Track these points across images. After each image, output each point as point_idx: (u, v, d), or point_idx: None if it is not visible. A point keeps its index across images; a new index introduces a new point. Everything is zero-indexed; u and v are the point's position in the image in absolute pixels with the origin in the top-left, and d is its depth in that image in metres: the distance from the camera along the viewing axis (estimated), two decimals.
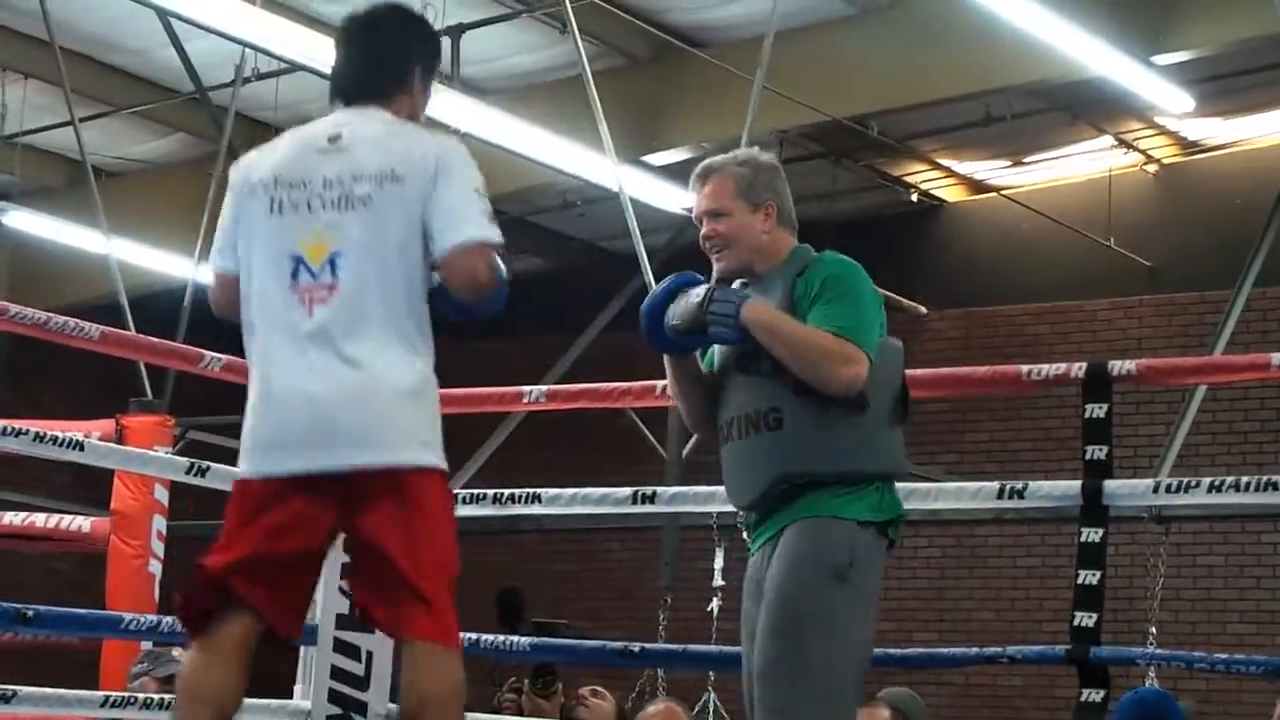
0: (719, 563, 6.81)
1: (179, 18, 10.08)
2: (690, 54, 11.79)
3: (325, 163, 3.66)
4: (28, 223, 13.09)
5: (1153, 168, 13.92)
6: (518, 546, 15.02)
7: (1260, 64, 11.87)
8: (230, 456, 6.87)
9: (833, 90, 11.66)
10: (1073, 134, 13.37)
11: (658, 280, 9.83)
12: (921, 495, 5.12)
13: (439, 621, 3.57)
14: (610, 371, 10.81)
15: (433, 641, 3.56)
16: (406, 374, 3.61)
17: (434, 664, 3.56)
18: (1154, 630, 6.45)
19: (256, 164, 3.77)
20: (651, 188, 12.30)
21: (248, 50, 10.85)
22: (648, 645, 5.68)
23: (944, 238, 14.70)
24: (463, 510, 5.75)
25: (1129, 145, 13.58)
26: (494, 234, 3.63)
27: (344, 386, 3.56)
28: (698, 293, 4.10)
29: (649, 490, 5.54)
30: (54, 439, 5.39)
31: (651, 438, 12.42)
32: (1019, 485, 5.06)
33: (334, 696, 5.58)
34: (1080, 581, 4.85)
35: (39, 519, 8.18)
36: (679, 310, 4.10)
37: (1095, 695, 4.80)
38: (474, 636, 5.50)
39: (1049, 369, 5.11)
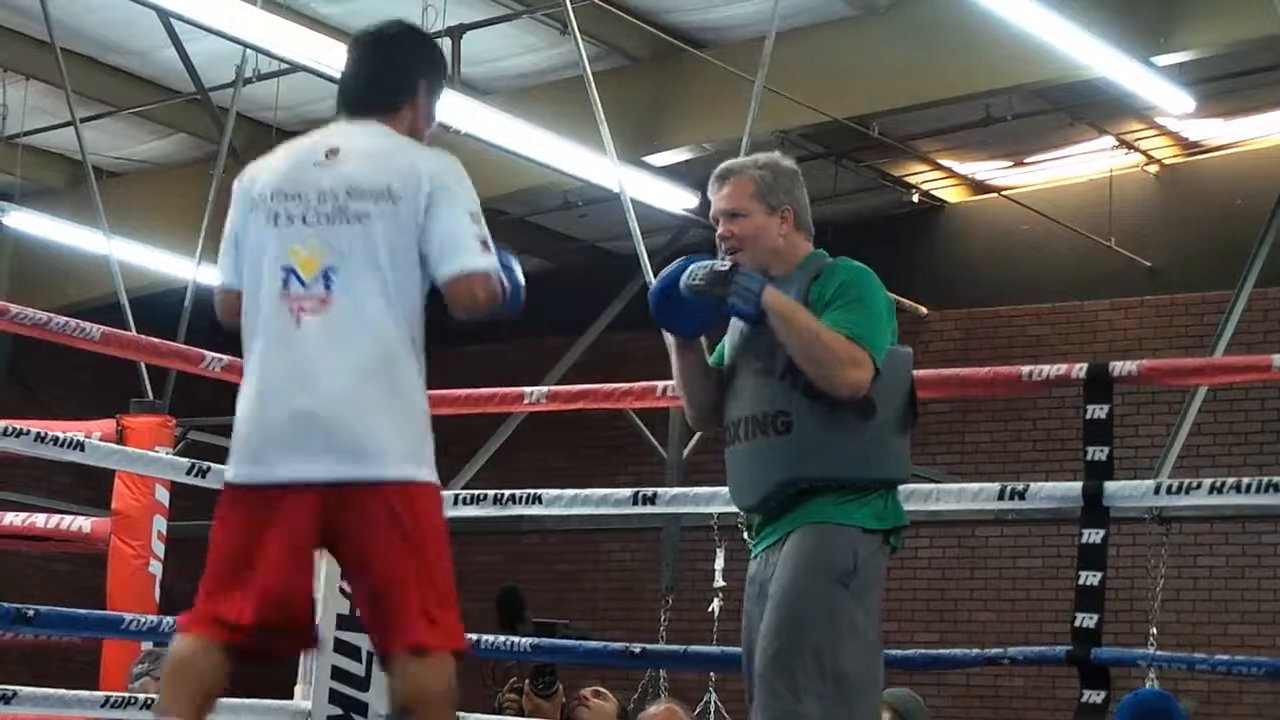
0: (720, 563, 6.80)
1: (180, 18, 10.08)
2: (691, 54, 11.79)
3: (321, 175, 3.68)
4: (29, 223, 13.09)
5: (1153, 168, 13.91)
6: (518, 547, 15.02)
7: (1261, 65, 11.87)
8: None
9: (834, 91, 11.66)
10: (1073, 134, 13.37)
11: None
12: (922, 496, 5.12)
13: (430, 628, 3.58)
14: (611, 372, 10.87)
15: (419, 646, 3.57)
16: (394, 389, 3.61)
17: (423, 665, 3.57)
18: (1155, 631, 6.44)
19: (256, 177, 3.78)
20: (652, 188, 12.30)
21: (249, 51, 10.85)
22: (648, 646, 5.68)
23: (945, 238, 14.70)
24: (463, 510, 5.76)
25: (1130, 146, 13.58)
26: (486, 263, 3.64)
27: (330, 399, 3.57)
28: (723, 263, 4.10)
29: (650, 491, 5.53)
30: (55, 439, 5.39)
31: (652, 438, 12.42)
32: (1020, 487, 5.06)
33: (334, 697, 5.58)
34: (1081, 583, 4.85)
35: (40, 519, 8.18)
36: (701, 271, 4.09)
37: (1096, 696, 4.80)
38: (474, 637, 5.50)
39: (1049, 370, 5.11)
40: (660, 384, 5.51)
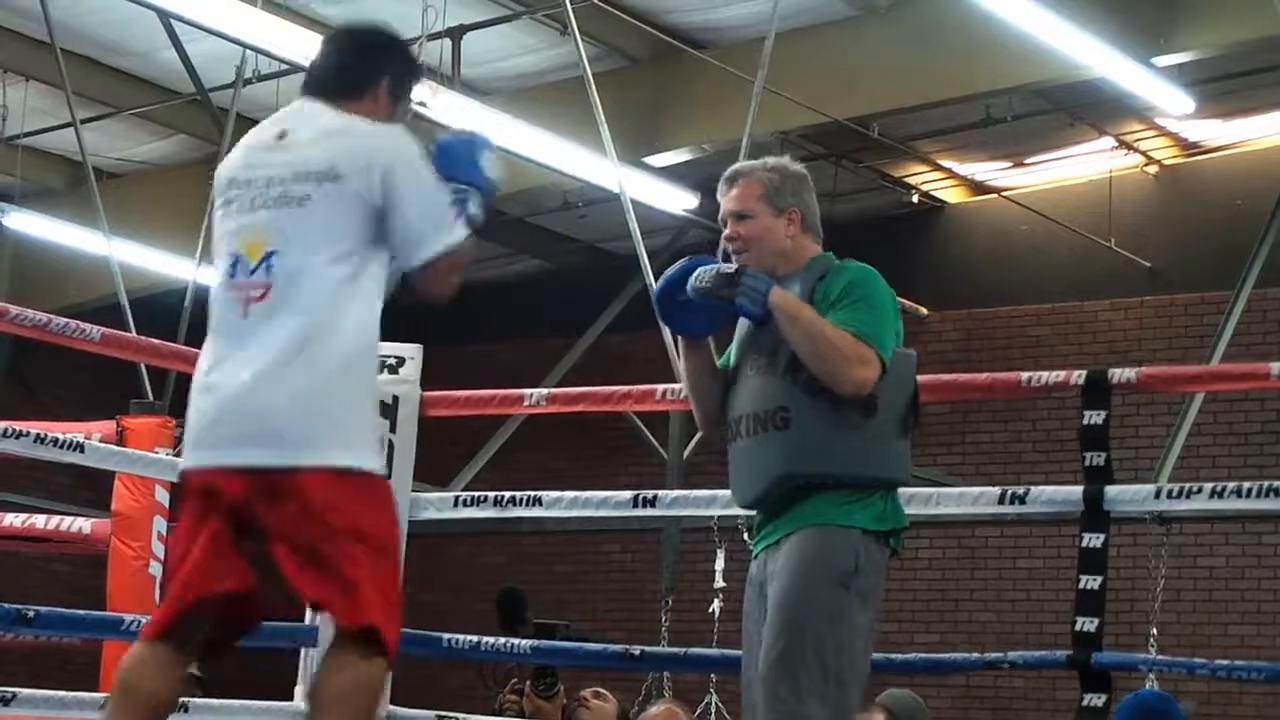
0: (720, 564, 6.82)
1: (180, 19, 10.09)
2: (691, 55, 11.79)
3: (270, 159, 3.68)
4: (29, 224, 13.09)
5: (1153, 169, 13.91)
6: (518, 548, 15.03)
7: (1260, 65, 11.87)
8: None
9: (834, 91, 11.66)
10: (1073, 135, 13.37)
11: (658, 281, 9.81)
12: (923, 500, 5.12)
13: (355, 617, 3.53)
14: (611, 372, 10.87)
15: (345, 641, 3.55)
16: (324, 375, 3.57)
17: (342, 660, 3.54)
18: (1155, 632, 6.46)
19: (220, 172, 3.80)
20: (652, 189, 12.31)
21: (248, 52, 10.85)
22: (648, 648, 5.68)
23: (945, 239, 14.70)
24: (464, 512, 5.76)
25: (1129, 146, 13.58)
26: (453, 236, 3.62)
27: (256, 386, 3.55)
28: (729, 266, 4.13)
29: (650, 493, 5.53)
30: (55, 441, 5.39)
31: (653, 439, 12.42)
32: (1020, 490, 5.06)
33: None
34: (1082, 587, 4.85)
35: (40, 520, 8.17)
36: (707, 274, 4.11)
37: (1097, 700, 4.80)
38: (475, 639, 5.50)
39: (1048, 376, 5.10)
40: (660, 387, 5.52)
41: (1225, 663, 5.02)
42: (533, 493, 5.62)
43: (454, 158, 3.76)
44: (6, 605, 4.99)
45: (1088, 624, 4.84)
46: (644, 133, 12.11)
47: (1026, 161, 13.93)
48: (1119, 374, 4.99)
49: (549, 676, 6.00)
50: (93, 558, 8.17)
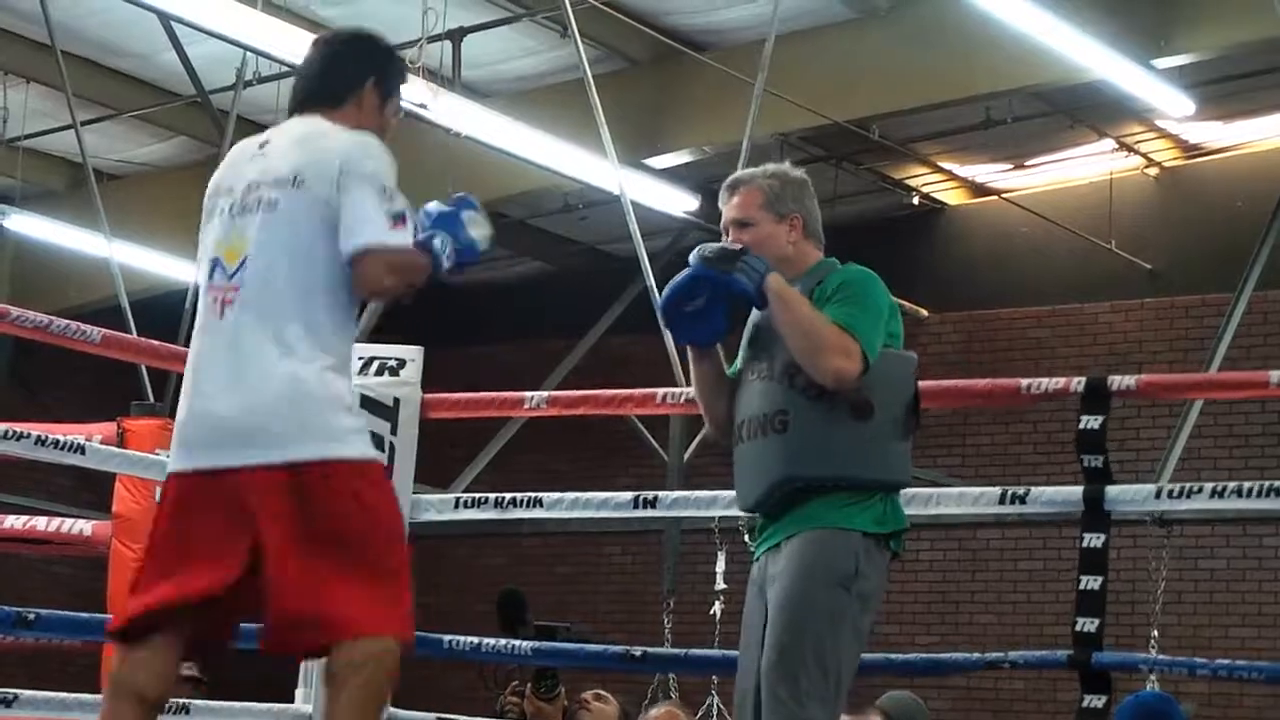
0: (721, 566, 6.81)
1: (180, 21, 10.09)
2: (691, 57, 11.79)
3: (250, 168, 3.72)
4: (29, 226, 13.09)
5: (1153, 171, 13.92)
6: (519, 550, 15.02)
7: (1261, 67, 11.88)
8: None
9: (834, 93, 11.66)
10: (1073, 137, 13.37)
11: (659, 284, 9.83)
12: (923, 501, 5.12)
13: (367, 612, 3.53)
14: (612, 374, 10.87)
15: (354, 634, 3.53)
16: (308, 373, 3.59)
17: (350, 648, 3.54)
18: (1156, 633, 6.45)
19: (210, 183, 3.84)
20: (653, 191, 12.31)
21: (249, 54, 10.85)
22: (649, 649, 5.68)
23: (945, 241, 14.70)
24: (464, 514, 5.76)
25: (1130, 148, 13.58)
26: (389, 238, 3.60)
27: (242, 385, 3.58)
28: (735, 244, 4.18)
29: (650, 495, 5.53)
30: (55, 442, 5.39)
31: (653, 441, 12.42)
32: (1020, 491, 5.06)
33: None
34: (1082, 587, 4.85)
35: (40, 522, 8.16)
36: (713, 247, 4.16)
37: (1097, 701, 4.80)
38: (476, 640, 5.50)
39: (1048, 383, 5.11)
40: (661, 390, 5.52)
41: (1226, 663, 5.02)
42: (533, 494, 5.62)
43: (436, 216, 3.77)
44: (7, 607, 5.00)
45: (1088, 625, 4.84)
46: (644, 135, 12.11)
47: (1027, 163, 13.94)
48: (1118, 381, 4.99)
49: (550, 678, 5.99)
50: (93, 560, 8.17)
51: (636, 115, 11.96)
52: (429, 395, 5.76)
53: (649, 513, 5.55)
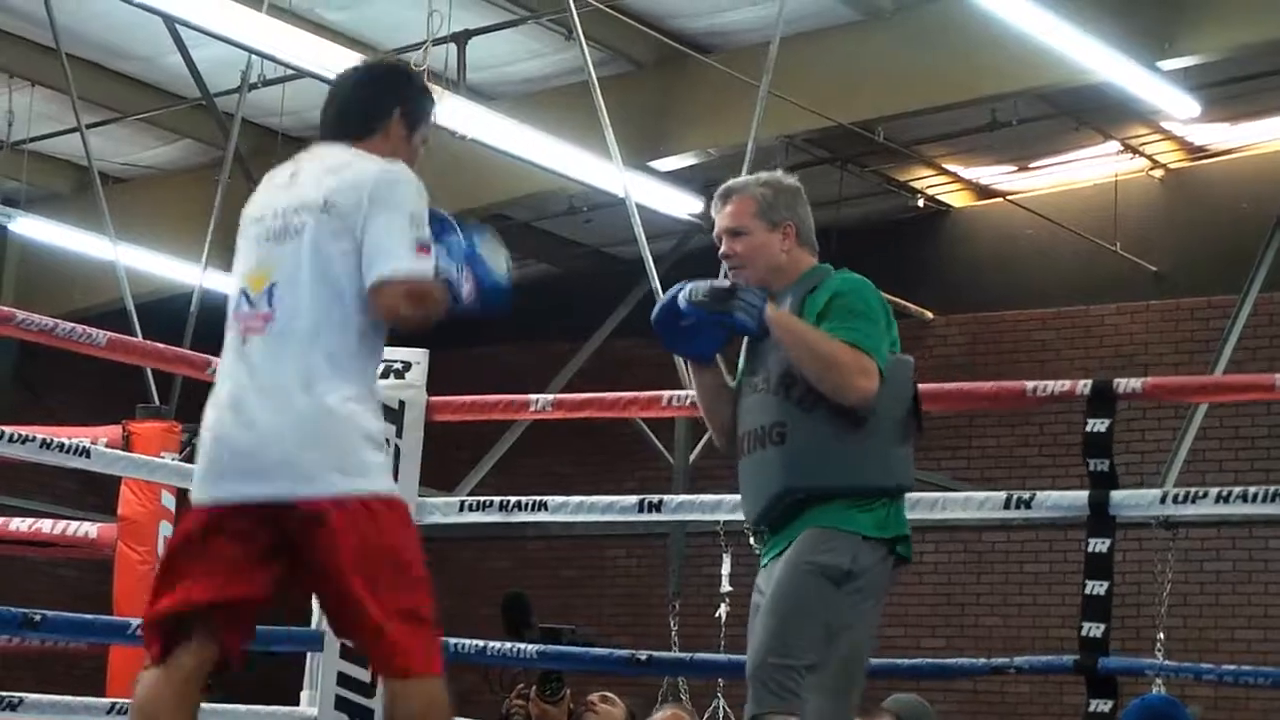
0: (726, 569, 6.80)
1: (185, 24, 10.08)
2: (696, 60, 11.79)
3: (280, 197, 3.72)
4: (35, 229, 13.09)
5: (1159, 173, 13.91)
6: (524, 553, 15.02)
7: (1266, 69, 11.87)
8: None
9: (838, 96, 11.66)
10: (1079, 139, 13.36)
11: (664, 286, 9.82)
12: (928, 505, 5.12)
13: (400, 651, 3.54)
14: (617, 377, 10.87)
15: (401, 674, 3.56)
16: (334, 403, 3.57)
17: (406, 687, 3.56)
18: (1162, 637, 6.44)
19: (243, 211, 3.83)
20: (658, 193, 12.30)
21: (254, 57, 10.85)
22: (655, 653, 5.68)
23: (950, 243, 14.69)
24: (469, 517, 5.76)
25: (1135, 150, 13.57)
26: (413, 266, 3.58)
27: (256, 420, 3.57)
28: (723, 281, 4.15)
29: (656, 498, 5.54)
30: (61, 446, 5.39)
31: (658, 444, 12.42)
32: (1026, 495, 5.06)
33: (340, 703, 5.57)
34: (1088, 592, 4.85)
35: (46, 525, 8.17)
36: (701, 289, 4.12)
37: (1103, 705, 4.80)
38: (481, 643, 5.50)
39: (1054, 385, 5.10)
40: (666, 393, 5.52)
41: (1232, 668, 5.02)
42: (538, 497, 5.63)
43: (455, 250, 3.75)
44: (13, 610, 4.99)
45: (1094, 629, 4.84)
46: (649, 137, 12.11)
47: (1032, 165, 13.93)
48: (1125, 384, 4.99)
49: (555, 681, 5.99)
50: (99, 563, 8.17)
51: (641, 118, 11.96)
52: (434, 398, 5.76)
53: (654, 516, 5.55)
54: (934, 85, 11.48)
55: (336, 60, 9.86)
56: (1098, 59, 10.42)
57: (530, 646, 5.51)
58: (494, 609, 5.84)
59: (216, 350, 6.01)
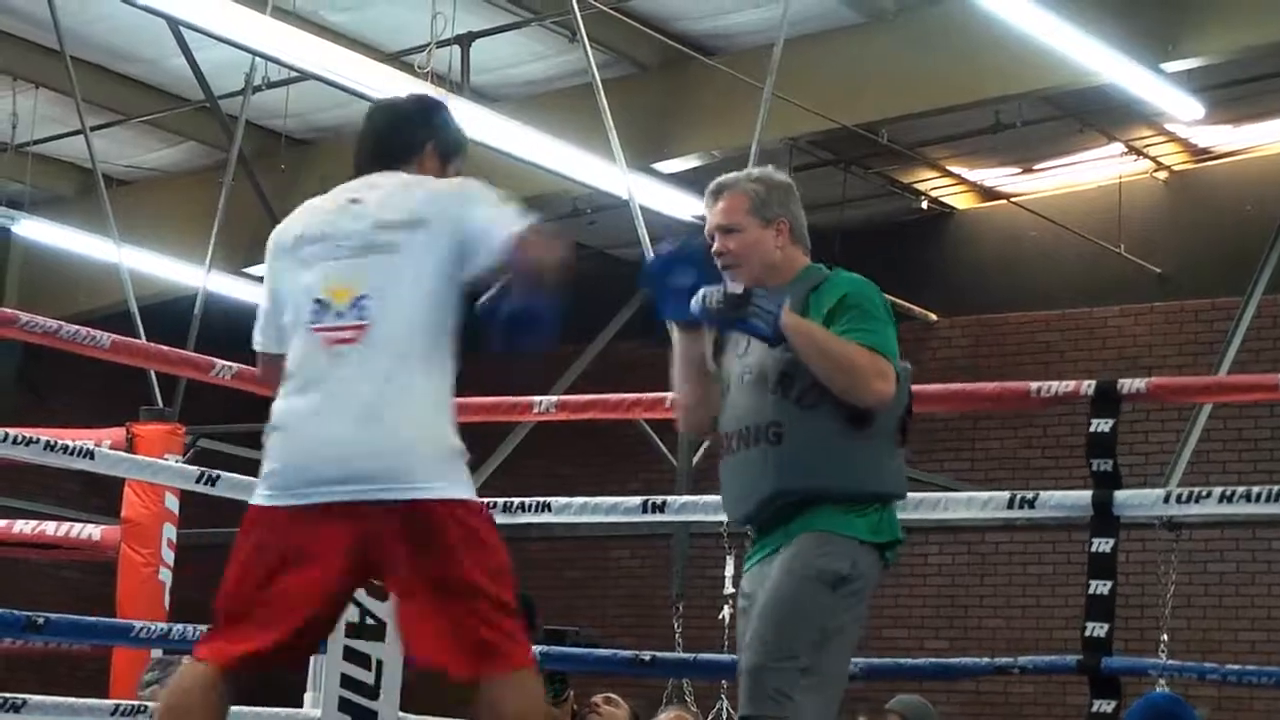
0: (729, 570, 6.80)
1: (189, 27, 10.09)
2: (700, 62, 11.79)
3: (346, 219, 3.74)
4: (39, 231, 13.11)
5: (1163, 175, 13.90)
6: (527, 555, 14.99)
7: (1270, 71, 11.86)
8: (241, 465, 6.87)
9: (842, 98, 11.66)
10: (1083, 141, 13.36)
11: None
12: (931, 505, 5.12)
13: (500, 650, 3.61)
14: (620, 379, 10.83)
15: (501, 672, 3.62)
16: (427, 411, 3.63)
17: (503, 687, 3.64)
18: (1166, 638, 6.44)
19: (280, 233, 3.84)
20: (661, 196, 12.30)
21: (258, 59, 10.86)
22: (658, 654, 5.69)
23: (954, 245, 14.69)
24: None
25: (1139, 152, 13.57)
26: (527, 221, 3.64)
27: (369, 425, 3.58)
28: (736, 286, 4.07)
29: (659, 500, 5.54)
30: (64, 448, 5.39)
31: (662, 445, 12.41)
32: (1029, 495, 5.06)
33: (344, 705, 5.57)
34: (1091, 592, 4.85)
35: (49, 527, 8.18)
36: (715, 295, 4.05)
37: (1107, 705, 4.80)
38: None
39: (1058, 386, 5.10)
40: (670, 394, 5.52)
41: (1236, 668, 5.02)
42: (542, 499, 5.63)
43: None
44: (16, 612, 5.00)
45: (1098, 629, 4.85)
46: (653, 139, 12.11)
47: (1036, 167, 13.93)
48: (1128, 385, 4.99)
49: (559, 682, 6.00)
50: (102, 565, 8.18)
51: (645, 120, 11.96)
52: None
53: (657, 517, 5.56)
54: (938, 87, 11.48)
55: (340, 63, 9.89)
56: (1102, 61, 10.42)
57: (534, 648, 5.50)
58: None
59: (219, 352, 6.06)
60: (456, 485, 3.61)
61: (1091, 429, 4.94)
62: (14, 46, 11.89)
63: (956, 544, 13.94)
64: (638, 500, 5.54)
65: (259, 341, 3.86)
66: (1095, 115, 12.74)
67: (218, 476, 5.68)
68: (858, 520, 4.02)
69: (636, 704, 6.88)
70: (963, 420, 13.91)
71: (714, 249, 4.24)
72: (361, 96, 10.32)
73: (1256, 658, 12.03)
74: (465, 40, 11.13)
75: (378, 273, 3.65)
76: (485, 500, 5.76)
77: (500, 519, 5.65)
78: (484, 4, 11.18)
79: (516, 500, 5.64)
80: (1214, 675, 5.04)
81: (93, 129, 11.53)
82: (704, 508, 5.50)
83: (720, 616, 7.16)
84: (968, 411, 13.49)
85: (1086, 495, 4.93)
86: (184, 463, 7.57)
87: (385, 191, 3.74)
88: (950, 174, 14.07)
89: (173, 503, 7.83)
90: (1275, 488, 4.78)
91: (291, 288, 3.74)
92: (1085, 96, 11.95)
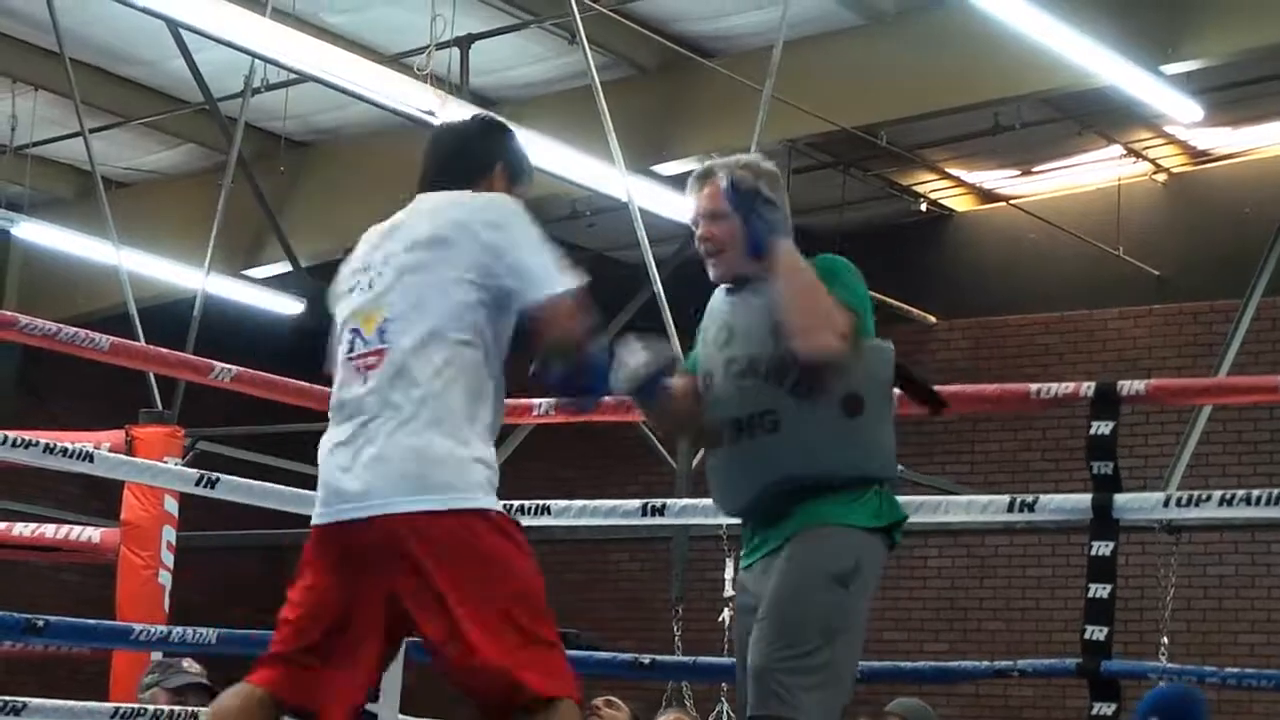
0: (729, 573, 6.81)
1: (189, 29, 10.09)
2: (699, 64, 11.79)
3: (386, 242, 3.77)
4: (38, 234, 13.10)
5: (1162, 177, 13.91)
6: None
7: (1269, 73, 11.87)
8: (240, 468, 6.87)
9: (842, 100, 11.66)
10: (1082, 143, 13.37)
11: (666, 290, 9.83)
12: (932, 508, 5.11)
13: (530, 670, 3.55)
14: None
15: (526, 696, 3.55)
16: (454, 430, 3.61)
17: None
18: (1166, 640, 6.45)
19: (345, 263, 3.87)
20: (660, 198, 12.28)
21: (257, 61, 10.86)
22: (658, 657, 5.68)
23: (953, 247, 14.69)
24: None
25: (1138, 154, 13.58)
26: (572, 281, 3.71)
27: (402, 445, 3.58)
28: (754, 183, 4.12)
29: (658, 502, 5.53)
30: (64, 450, 5.39)
31: (661, 448, 12.42)
32: (1029, 499, 5.06)
33: None
34: (1091, 595, 4.84)
35: (49, 530, 8.18)
36: (744, 178, 4.14)
37: (1106, 709, 4.79)
38: None
39: (1058, 388, 5.10)
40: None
41: (1235, 671, 5.01)
42: (541, 501, 5.62)
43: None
44: (16, 615, 4.99)
45: (1097, 632, 4.84)
46: (652, 141, 12.11)
47: (1035, 169, 13.94)
48: (1128, 386, 4.98)
49: None
50: (102, 567, 8.18)
51: (644, 122, 11.96)
52: None
53: (657, 520, 5.55)
54: (937, 89, 11.48)
55: (340, 65, 9.89)
56: (1101, 63, 10.41)
57: None
58: None
59: (219, 355, 6.05)
60: (474, 496, 3.58)
61: (1091, 431, 4.93)
62: (13, 48, 11.89)
63: (956, 547, 13.94)
64: (637, 503, 5.54)
65: (329, 369, 3.88)
66: (1094, 117, 12.75)
67: (217, 479, 5.68)
68: (859, 508, 4.00)
69: (636, 707, 6.88)
70: (962, 422, 13.91)
71: (698, 235, 4.22)
72: (361, 99, 10.34)
73: (1256, 660, 12.04)
74: (465, 42, 11.13)
75: (403, 296, 3.66)
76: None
77: None
78: (483, 6, 11.18)
79: (516, 503, 5.63)
80: (1213, 678, 5.03)
81: (92, 131, 11.53)
82: (704, 510, 5.49)
83: (720, 619, 7.17)
84: (967, 414, 13.48)
85: (1086, 498, 4.93)
86: (183, 465, 7.57)
87: (424, 211, 3.75)
88: (949, 176, 14.07)
89: (172, 505, 7.83)
90: (1275, 491, 4.78)
91: (340, 319, 3.79)
92: (1084, 99, 11.95)
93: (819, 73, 11.50)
